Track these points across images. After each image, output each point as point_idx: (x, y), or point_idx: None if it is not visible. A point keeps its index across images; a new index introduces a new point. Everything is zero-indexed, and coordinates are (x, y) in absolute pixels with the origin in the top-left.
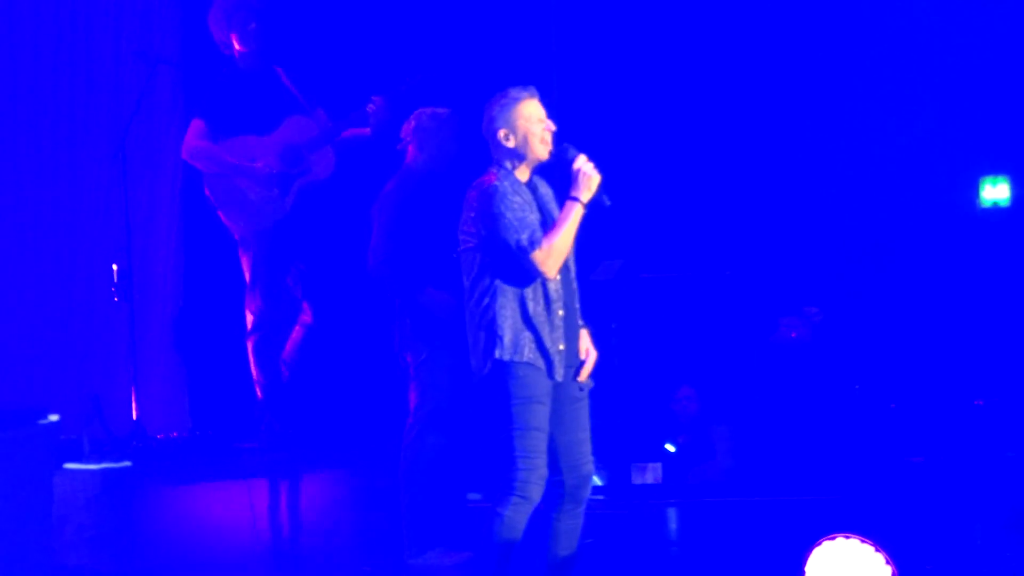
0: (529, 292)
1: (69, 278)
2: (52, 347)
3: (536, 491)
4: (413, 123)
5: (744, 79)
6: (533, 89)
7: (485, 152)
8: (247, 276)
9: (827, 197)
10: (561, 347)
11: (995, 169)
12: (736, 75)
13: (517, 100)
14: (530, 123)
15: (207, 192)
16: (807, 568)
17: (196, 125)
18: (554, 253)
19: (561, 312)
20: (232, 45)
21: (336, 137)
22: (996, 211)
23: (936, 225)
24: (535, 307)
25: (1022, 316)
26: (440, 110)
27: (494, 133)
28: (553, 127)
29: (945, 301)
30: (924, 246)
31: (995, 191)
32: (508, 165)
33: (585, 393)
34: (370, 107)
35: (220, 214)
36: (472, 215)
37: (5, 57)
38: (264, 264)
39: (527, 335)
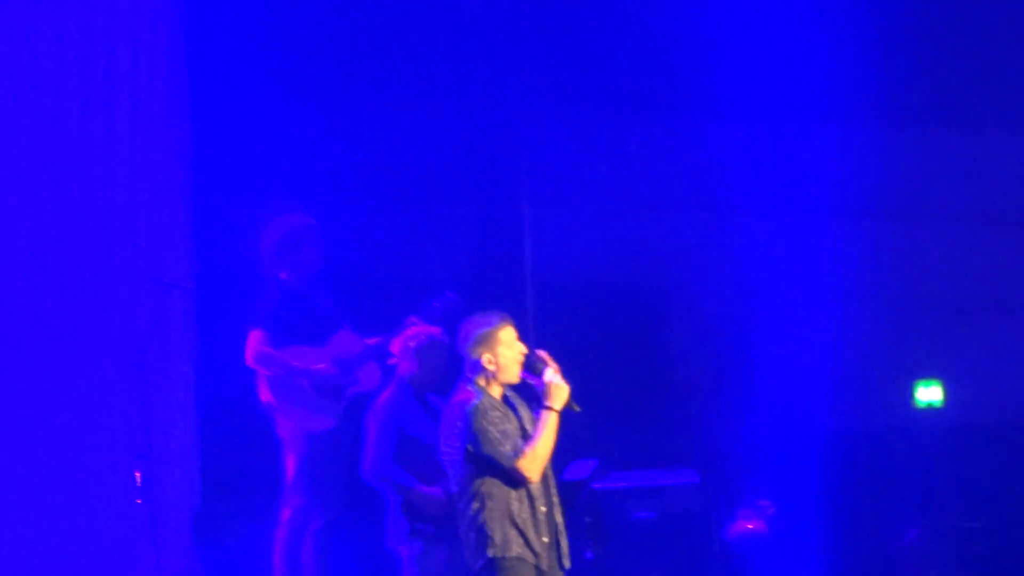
0: (513, 494)
1: (94, 486)
2: (76, 552)
3: None
4: (405, 341)
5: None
6: (508, 316)
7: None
8: (291, 473)
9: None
10: (545, 539)
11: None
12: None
13: (498, 328)
14: (510, 349)
15: (264, 396)
16: None
17: (256, 335)
18: (537, 459)
19: (543, 508)
20: (285, 263)
21: (380, 352)
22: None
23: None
24: (519, 507)
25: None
26: (435, 331)
27: (477, 357)
28: (525, 350)
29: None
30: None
31: (928, 393)
32: (482, 383)
33: (563, 571)
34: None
35: (279, 416)
36: (455, 431)
37: (36, 285)
38: (312, 464)
39: (514, 533)
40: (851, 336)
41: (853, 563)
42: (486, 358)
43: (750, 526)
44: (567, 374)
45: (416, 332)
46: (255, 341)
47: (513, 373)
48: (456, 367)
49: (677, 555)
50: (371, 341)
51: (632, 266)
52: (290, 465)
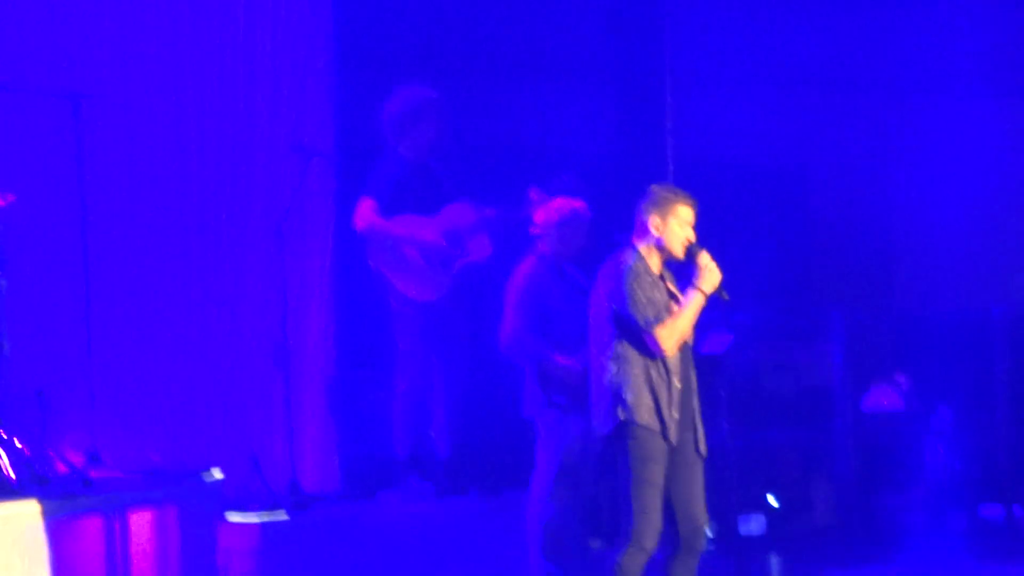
0: (652, 363)
1: (232, 348)
2: (217, 410)
3: (651, 542)
4: (549, 212)
5: None
6: (693, 199)
7: (612, 240)
8: (403, 343)
9: None
10: (676, 414)
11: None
12: None
13: (678, 201)
14: (681, 226)
15: (372, 263)
16: None
17: (367, 203)
18: (675, 333)
19: (679, 384)
20: (403, 135)
21: (493, 224)
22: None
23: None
24: (656, 376)
25: None
26: (575, 201)
27: (649, 218)
28: (694, 238)
29: None
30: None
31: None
32: (644, 249)
33: (696, 456)
34: (533, 197)
35: (391, 281)
36: (606, 288)
37: (176, 156)
38: (422, 333)
39: (647, 400)
40: (991, 219)
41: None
42: (655, 222)
43: (886, 401)
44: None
45: (560, 204)
46: (364, 209)
47: (676, 248)
48: (595, 244)
49: (812, 428)
50: (487, 212)
51: (772, 144)
52: (401, 335)
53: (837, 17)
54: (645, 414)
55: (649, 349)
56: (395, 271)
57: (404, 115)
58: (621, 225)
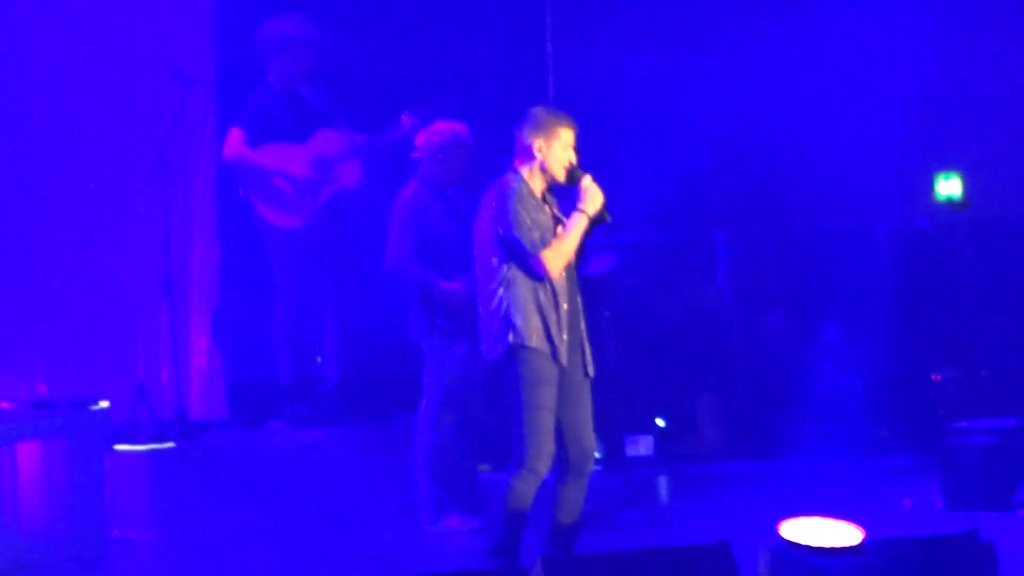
0: (539, 286)
1: (116, 277)
2: (101, 340)
3: (544, 465)
4: (430, 136)
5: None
6: (574, 122)
7: (493, 163)
8: (278, 270)
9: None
10: (565, 336)
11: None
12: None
13: (560, 124)
14: (563, 149)
15: (242, 192)
16: (781, 530)
17: (235, 132)
18: (560, 255)
19: (566, 306)
20: (271, 64)
21: (363, 150)
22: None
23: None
24: (544, 299)
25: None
26: (457, 125)
27: (531, 141)
28: (575, 160)
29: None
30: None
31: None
32: (526, 173)
33: (584, 378)
34: (404, 121)
35: (258, 209)
36: (490, 212)
37: (54, 85)
38: (295, 260)
39: (536, 323)
40: (875, 136)
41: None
42: (538, 144)
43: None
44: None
45: (441, 127)
46: (232, 139)
47: (558, 171)
48: (477, 168)
49: (698, 349)
50: (356, 139)
51: (654, 67)
52: (276, 263)
53: None
54: (535, 337)
55: (535, 272)
56: (262, 200)
57: (273, 45)
58: (503, 148)
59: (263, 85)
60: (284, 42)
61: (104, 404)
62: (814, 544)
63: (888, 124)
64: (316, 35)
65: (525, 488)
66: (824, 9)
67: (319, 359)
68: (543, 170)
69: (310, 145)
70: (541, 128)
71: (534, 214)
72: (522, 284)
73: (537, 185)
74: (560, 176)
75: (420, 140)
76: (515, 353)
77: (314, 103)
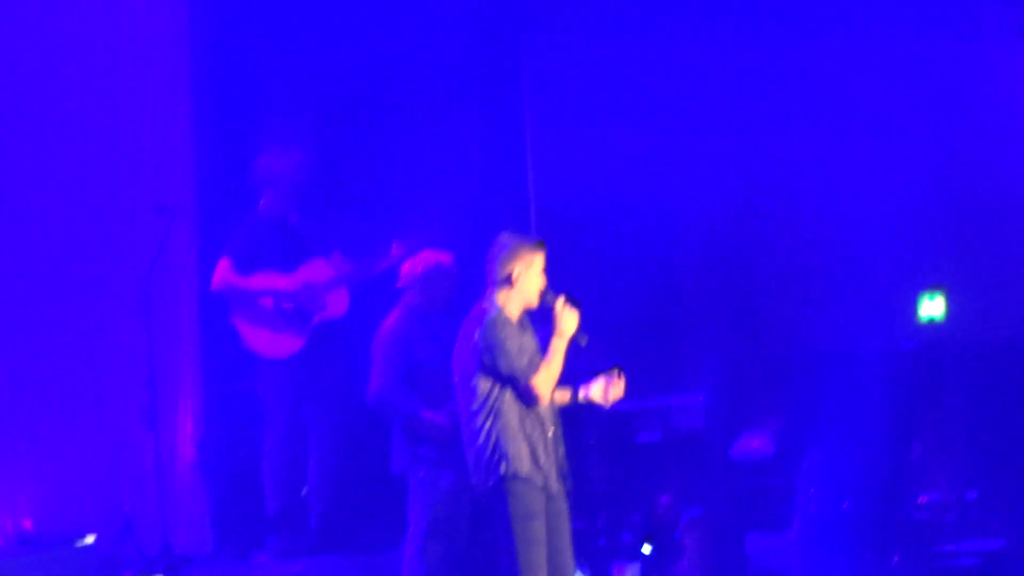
0: (525, 413)
1: (101, 410)
2: (87, 474)
3: None
4: (414, 265)
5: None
6: (543, 245)
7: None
8: (266, 401)
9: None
10: (552, 464)
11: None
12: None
13: (533, 249)
14: (535, 275)
15: (234, 322)
16: None
17: (224, 262)
18: (549, 380)
19: (551, 430)
20: (262, 195)
21: (351, 279)
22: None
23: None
24: (530, 427)
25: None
26: (441, 254)
27: (505, 272)
28: (545, 285)
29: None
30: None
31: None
32: (502, 299)
33: (565, 505)
34: (395, 250)
35: (246, 342)
36: (472, 342)
37: (42, 220)
38: (283, 390)
39: (525, 451)
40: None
41: (860, 478)
42: (517, 271)
43: (755, 445)
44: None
45: (425, 256)
46: (221, 268)
47: (534, 296)
48: (461, 294)
49: (683, 475)
50: (345, 268)
51: (634, 190)
52: (264, 394)
53: (700, 62)
54: (525, 466)
55: (524, 399)
56: (251, 327)
57: (260, 175)
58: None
59: (253, 215)
60: (273, 171)
61: (90, 539)
62: None
63: (872, 243)
64: (304, 164)
65: None
66: (808, 122)
67: (304, 490)
68: (520, 299)
69: (299, 273)
70: (518, 255)
71: (518, 340)
72: (510, 412)
73: (513, 311)
74: (535, 300)
75: (404, 269)
76: (506, 484)
77: (304, 233)
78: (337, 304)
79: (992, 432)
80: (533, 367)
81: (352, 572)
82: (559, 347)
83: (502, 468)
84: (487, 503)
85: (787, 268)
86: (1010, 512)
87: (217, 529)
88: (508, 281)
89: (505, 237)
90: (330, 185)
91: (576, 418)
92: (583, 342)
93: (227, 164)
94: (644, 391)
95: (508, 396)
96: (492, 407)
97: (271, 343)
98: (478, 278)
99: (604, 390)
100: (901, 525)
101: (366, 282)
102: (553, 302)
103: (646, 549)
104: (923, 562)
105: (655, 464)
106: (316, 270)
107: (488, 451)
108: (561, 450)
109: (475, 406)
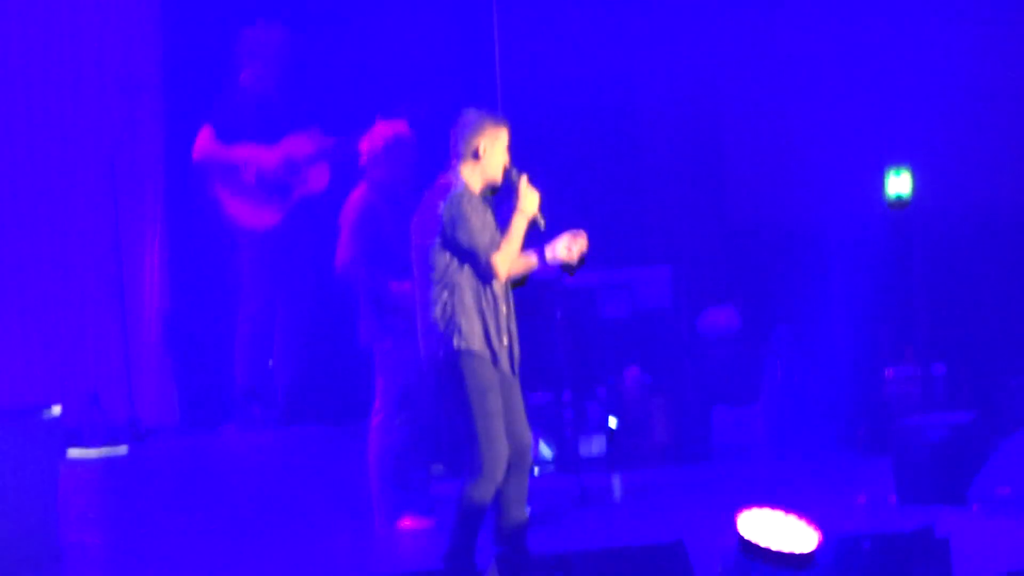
0: (482, 290)
1: (67, 283)
2: (53, 345)
3: (501, 471)
4: (372, 139)
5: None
6: (507, 122)
7: (437, 162)
8: (242, 271)
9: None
10: (505, 340)
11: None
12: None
13: (500, 125)
14: (500, 151)
15: (215, 189)
16: (739, 528)
17: (207, 130)
18: (508, 258)
19: (504, 309)
20: (245, 68)
21: (332, 154)
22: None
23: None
24: (485, 304)
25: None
26: (398, 124)
27: (471, 147)
28: (508, 162)
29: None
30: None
31: (899, 183)
32: (467, 174)
33: (517, 375)
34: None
35: (227, 209)
36: (432, 215)
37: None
38: (257, 263)
39: (478, 328)
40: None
41: (827, 353)
42: (483, 146)
43: (722, 319)
44: (533, 180)
45: (382, 129)
46: (202, 137)
47: (497, 172)
48: (424, 164)
49: (649, 349)
50: (326, 142)
51: (601, 67)
52: (241, 264)
53: None
54: (477, 341)
55: (482, 275)
56: (231, 198)
57: (243, 49)
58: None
59: (235, 87)
60: (258, 46)
61: (56, 410)
62: (771, 547)
63: (840, 120)
64: (287, 37)
65: (482, 494)
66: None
67: (271, 362)
68: (483, 175)
69: (281, 147)
70: (482, 130)
71: (481, 216)
72: (466, 288)
73: (476, 186)
74: (498, 177)
75: (364, 144)
76: (459, 358)
77: (286, 107)
78: (318, 179)
79: (959, 307)
80: (494, 245)
81: (319, 443)
82: (520, 225)
83: (455, 342)
84: (440, 375)
85: (755, 143)
86: (976, 386)
87: (184, 400)
88: (473, 156)
89: (471, 113)
90: (311, 60)
91: (542, 293)
92: (542, 225)
93: (195, 36)
94: (610, 265)
95: (466, 271)
96: (448, 280)
97: (252, 214)
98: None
99: (568, 245)
100: (868, 399)
101: (349, 156)
102: (517, 179)
103: (612, 422)
104: (890, 435)
105: (621, 338)
106: (297, 144)
107: (442, 323)
108: (513, 327)
109: (433, 276)
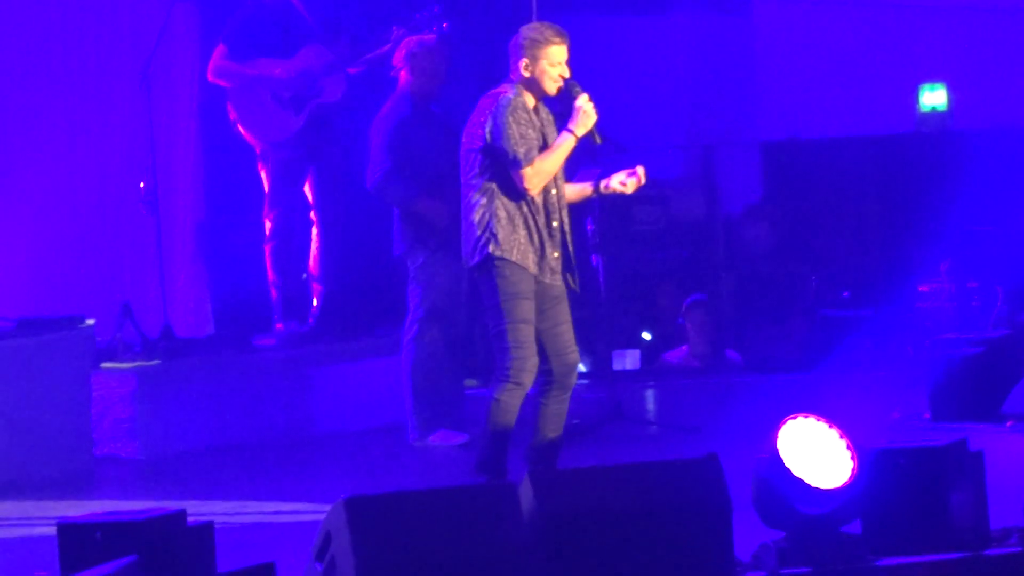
0: (524, 199)
1: (101, 196)
2: (87, 258)
3: (528, 378)
4: (404, 50)
5: None
6: (566, 36)
7: (478, 76)
8: (265, 186)
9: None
10: (555, 253)
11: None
12: None
13: (548, 41)
14: (550, 65)
15: (230, 108)
16: (778, 443)
17: (220, 49)
18: (542, 173)
19: (556, 223)
20: None
21: (349, 64)
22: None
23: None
24: (529, 213)
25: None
26: (429, 37)
27: (518, 60)
28: (568, 74)
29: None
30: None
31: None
32: (520, 86)
33: (564, 291)
34: (395, 34)
35: (241, 128)
36: (481, 119)
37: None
38: (281, 175)
39: (520, 237)
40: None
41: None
42: (524, 63)
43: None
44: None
45: (413, 40)
46: (216, 55)
47: (549, 86)
48: (454, 75)
49: (684, 262)
50: (344, 51)
51: None
52: (264, 179)
53: None
54: (516, 251)
55: (514, 186)
56: (246, 114)
57: None
58: (492, 59)
59: (252, 1)
60: None
61: (90, 322)
62: (805, 475)
63: (873, 34)
64: None
65: (509, 401)
66: None
67: (304, 275)
68: (533, 86)
69: (296, 59)
70: (527, 48)
71: (524, 128)
72: (505, 195)
73: (531, 100)
74: (551, 90)
75: (396, 57)
76: (493, 263)
77: (304, 18)
78: (333, 89)
79: (993, 222)
80: (529, 158)
81: (352, 355)
82: (567, 143)
83: (490, 248)
84: (475, 280)
85: (790, 57)
86: (1011, 303)
87: (217, 313)
88: (519, 72)
89: (524, 27)
90: None
91: (576, 206)
92: (598, 140)
93: None
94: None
95: (502, 180)
96: (488, 187)
97: (267, 129)
98: (471, 68)
99: (623, 180)
100: (901, 316)
101: (366, 67)
102: (577, 95)
103: (646, 336)
104: (923, 352)
105: (655, 251)
106: (312, 55)
107: (479, 229)
108: (569, 243)
109: (473, 181)
